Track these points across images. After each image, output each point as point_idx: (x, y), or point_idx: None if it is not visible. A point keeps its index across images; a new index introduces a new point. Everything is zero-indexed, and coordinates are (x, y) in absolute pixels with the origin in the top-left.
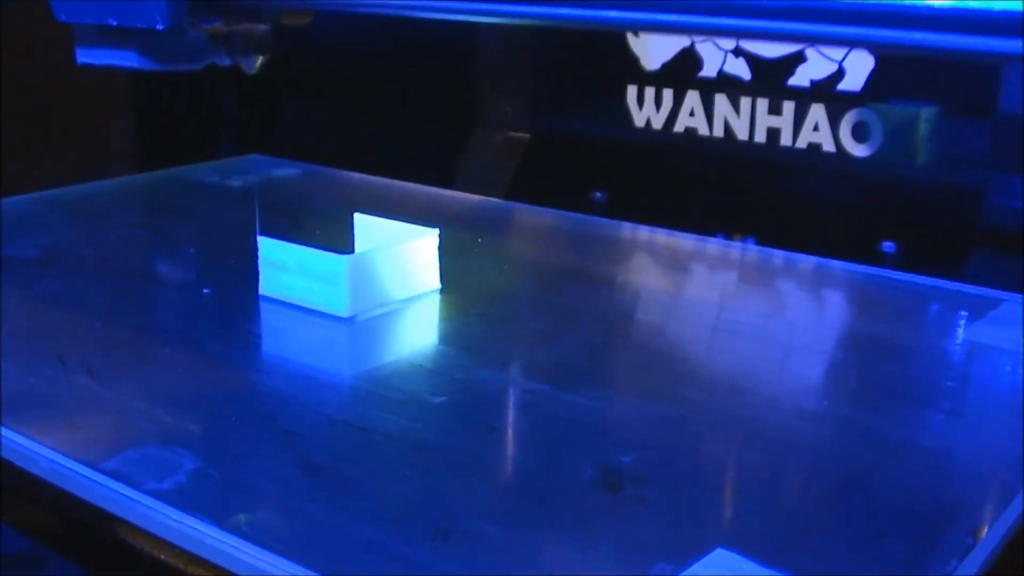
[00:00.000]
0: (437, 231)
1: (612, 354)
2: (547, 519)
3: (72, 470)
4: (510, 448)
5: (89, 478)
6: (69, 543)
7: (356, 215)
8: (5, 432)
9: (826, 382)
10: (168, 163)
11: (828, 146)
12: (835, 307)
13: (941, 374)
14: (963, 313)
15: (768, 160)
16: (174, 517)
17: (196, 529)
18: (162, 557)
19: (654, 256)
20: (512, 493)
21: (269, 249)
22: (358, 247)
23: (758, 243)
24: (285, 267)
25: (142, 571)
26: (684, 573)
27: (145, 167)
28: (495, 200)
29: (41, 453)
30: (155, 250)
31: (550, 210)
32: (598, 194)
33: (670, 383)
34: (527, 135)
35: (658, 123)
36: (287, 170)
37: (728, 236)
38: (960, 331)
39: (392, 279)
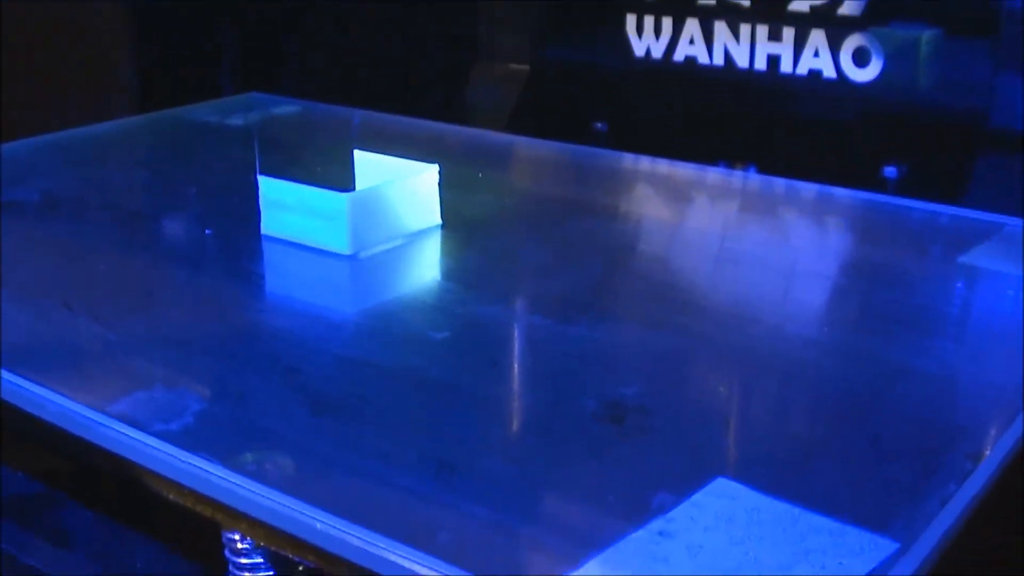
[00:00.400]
0: (437, 166)
1: (614, 285)
2: (549, 451)
3: (80, 414)
4: (513, 382)
5: (97, 422)
6: (79, 486)
7: (356, 152)
8: (13, 377)
9: (828, 309)
10: (168, 103)
11: (829, 72)
12: (837, 234)
13: (942, 299)
14: (965, 238)
15: (769, 87)
16: (182, 458)
17: (203, 469)
18: (171, 497)
19: (656, 186)
20: (514, 426)
21: (270, 188)
22: (359, 184)
23: (759, 171)
24: (286, 206)
25: (151, 511)
26: (685, 503)
27: (145, 108)
28: (496, 133)
29: (49, 398)
30: (156, 191)
31: (551, 142)
32: (599, 125)
33: (672, 313)
34: (527, 67)
35: (658, 52)
36: (287, 107)
37: (729, 165)
38: (961, 256)
39: (393, 215)
